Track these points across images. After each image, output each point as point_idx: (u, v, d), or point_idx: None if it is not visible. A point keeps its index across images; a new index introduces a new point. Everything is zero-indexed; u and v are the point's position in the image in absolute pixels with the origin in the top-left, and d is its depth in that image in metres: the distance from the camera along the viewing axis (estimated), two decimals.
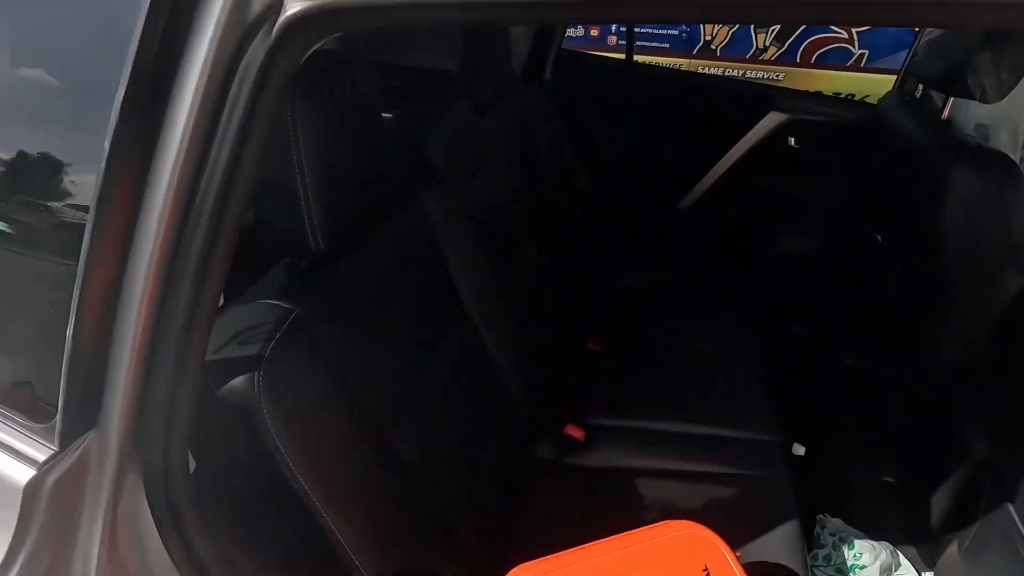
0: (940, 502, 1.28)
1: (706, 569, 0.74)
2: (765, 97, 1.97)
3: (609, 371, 1.54)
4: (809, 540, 1.42)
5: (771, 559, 1.00)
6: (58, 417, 0.46)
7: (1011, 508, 1.04)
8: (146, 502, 0.52)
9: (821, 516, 1.50)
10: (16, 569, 0.46)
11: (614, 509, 1.12)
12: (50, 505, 0.47)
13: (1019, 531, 1.01)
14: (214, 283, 0.51)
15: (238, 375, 0.64)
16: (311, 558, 0.74)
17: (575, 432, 1.29)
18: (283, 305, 0.73)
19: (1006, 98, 1.14)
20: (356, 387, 0.78)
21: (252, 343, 0.67)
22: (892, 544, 1.40)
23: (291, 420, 0.67)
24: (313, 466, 0.69)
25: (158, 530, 0.54)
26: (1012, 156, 1.37)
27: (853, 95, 3.01)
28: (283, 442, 0.66)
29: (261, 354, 0.66)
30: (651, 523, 0.79)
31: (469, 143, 1.31)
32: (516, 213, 1.46)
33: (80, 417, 0.47)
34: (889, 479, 1.56)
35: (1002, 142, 1.68)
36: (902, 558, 1.37)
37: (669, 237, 2.09)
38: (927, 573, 1.33)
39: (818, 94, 2.40)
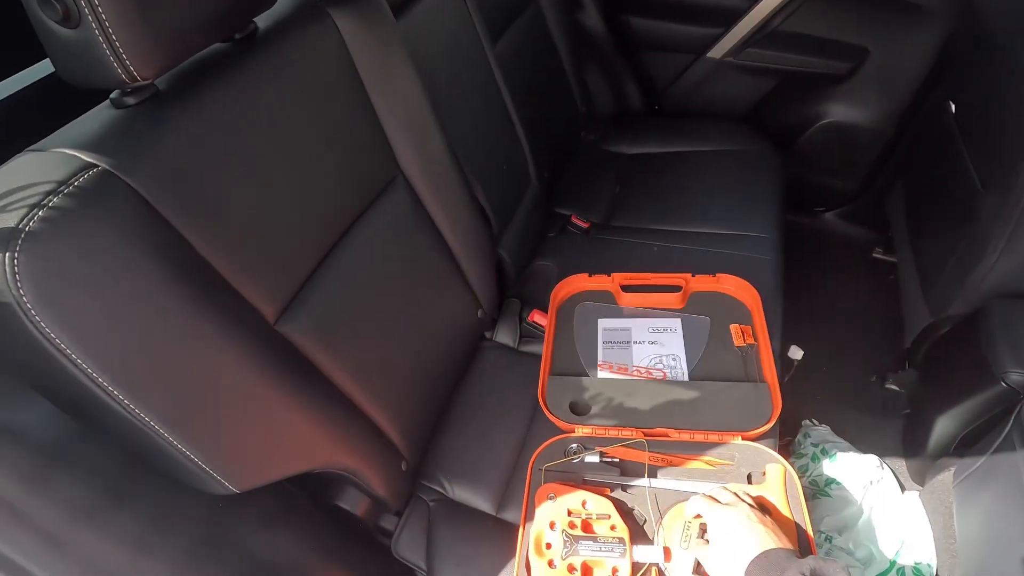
0: (946, 425, 1.12)
1: None
2: None
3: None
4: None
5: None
6: None
7: None
8: None
9: (807, 422, 1.39)
10: None
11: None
12: None
13: None
14: None
15: None
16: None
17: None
18: (80, 155, 0.53)
19: None
20: (197, 275, 0.59)
21: (14, 210, 0.48)
22: (880, 457, 1.29)
23: (83, 316, 0.50)
24: (134, 375, 0.53)
25: None
26: None
27: None
28: (73, 349, 0.49)
29: (19, 226, 0.47)
30: None
31: None
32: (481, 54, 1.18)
33: None
34: (894, 387, 1.41)
35: None
36: (887, 470, 1.27)
37: (690, 94, 1.75)
38: (912, 491, 1.23)
39: None
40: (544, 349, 1.06)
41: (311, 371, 0.73)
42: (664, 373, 1.01)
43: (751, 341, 1.01)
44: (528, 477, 0.89)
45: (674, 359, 1.03)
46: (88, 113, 0.58)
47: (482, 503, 0.96)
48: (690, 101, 1.76)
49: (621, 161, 1.60)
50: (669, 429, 0.90)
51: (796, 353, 1.27)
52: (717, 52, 1.63)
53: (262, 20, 0.72)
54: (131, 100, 0.58)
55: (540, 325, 1.17)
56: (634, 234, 1.35)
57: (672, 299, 1.10)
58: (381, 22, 0.84)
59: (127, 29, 0.51)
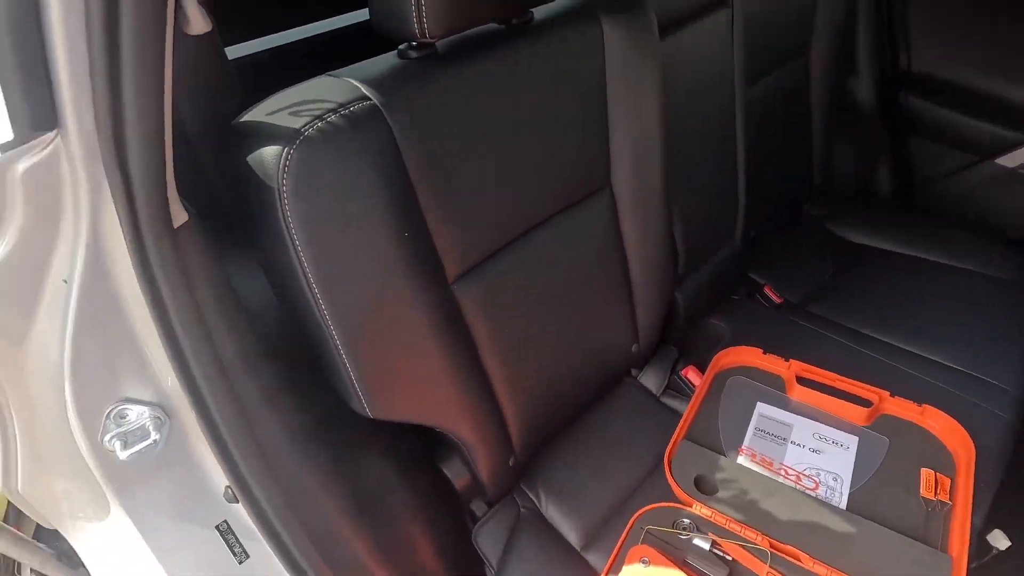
0: None
1: None
2: None
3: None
4: None
5: None
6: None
7: None
8: (120, 230, 0.49)
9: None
10: None
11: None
12: (23, 197, 0.45)
13: None
14: None
15: (268, 146, 0.55)
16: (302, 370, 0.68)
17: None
18: (361, 87, 0.61)
19: None
20: (411, 217, 0.66)
21: (302, 116, 0.57)
22: None
23: (317, 219, 0.58)
24: (331, 279, 0.61)
25: (135, 264, 0.50)
26: None
27: None
28: (300, 242, 0.57)
29: (301, 130, 0.56)
30: None
31: None
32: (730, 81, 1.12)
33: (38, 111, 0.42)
34: None
35: None
36: None
37: (956, 198, 1.50)
38: None
39: None
40: (687, 410, 0.98)
41: (466, 338, 0.76)
42: (816, 485, 0.88)
43: (945, 499, 0.83)
44: (627, 530, 0.83)
45: (835, 479, 0.89)
46: (379, 57, 0.67)
47: (570, 532, 0.92)
48: (953, 205, 1.51)
49: (843, 247, 1.42)
50: (803, 553, 0.78)
51: (1000, 541, 1.02)
52: (1012, 161, 1.37)
53: (539, 12, 0.77)
54: (413, 54, 0.65)
55: (691, 384, 1.09)
56: (831, 328, 1.19)
57: (855, 412, 0.95)
58: (645, 39, 0.84)
59: None
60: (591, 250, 0.91)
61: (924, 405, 0.93)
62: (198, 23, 0.40)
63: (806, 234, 1.45)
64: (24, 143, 0.43)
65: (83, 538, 0.65)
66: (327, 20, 1.10)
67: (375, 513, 0.76)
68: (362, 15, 1.16)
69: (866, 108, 1.48)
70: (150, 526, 0.62)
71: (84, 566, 0.68)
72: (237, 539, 0.66)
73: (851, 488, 0.87)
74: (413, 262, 0.66)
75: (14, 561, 1.09)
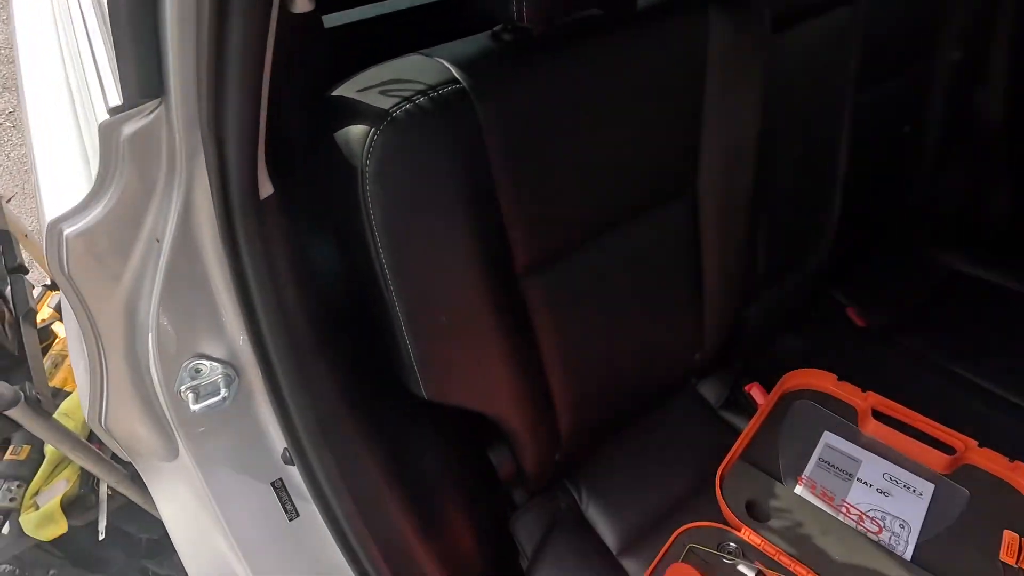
0: None
1: None
2: None
3: None
4: None
5: None
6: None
7: None
8: (211, 198, 0.50)
9: None
10: (100, 207, 0.49)
11: None
12: (127, 157, 0.47)
13: None
14: None
15: (356, 124, 0.56)
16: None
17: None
18: (452, 69, 0.60)
19: None
20: (487, 206, 0.65)
21: (392, 96, 0.57)
22: None
23: (396, 203, 0.58)
24: (402, 262, 0.61)
25: (221, 230, 0.52)
26: None
27: None
28: (377, 223, 0.58)
29: (390, 110, 0.56)
30: None
31: None
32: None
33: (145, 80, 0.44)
34: None
35: None
36: None
37: None
38: None
39: None
40: (747, 428, 0.94)
41: (528, 331, 0.75)
42: (879, 529, 0.82)
43: None
44: (668, 544, 0.81)
45: (902, 526, 0.83)
46: (473, 37, 0.65)
47: (608, 534, 0.91)
48: None
49: (941, 274, 1.30)
50: None
51: None
52: None
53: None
54: (508, 36, 0.63)
55: (754, 401, 1.04)
56: (919, 362, 1.10)
57: (935, 458, 0.88)
58: (754, 36, 0.78)
59: None
60: (666, 254, 0.87)
61: (1017, 461, 0.85)
62: (303, 2, 0.40)
63: (901, 256, 1.34)
64: (131, 107, 0.45)
65: (153, 474, 0.70)
66: None
67: (419, 489, 0.78)
68: None
69: (991, 125, 1.34)
70: (212, 473, 0.65)
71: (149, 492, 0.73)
72: (290, 497, 0.69)
73: (919, 538, 0.81)
74: (484, 251, 0.65)
75: (94, 477, 1.20)
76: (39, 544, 1.33)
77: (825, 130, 1.07)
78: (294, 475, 0.67)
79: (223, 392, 0.60)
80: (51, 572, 1.37)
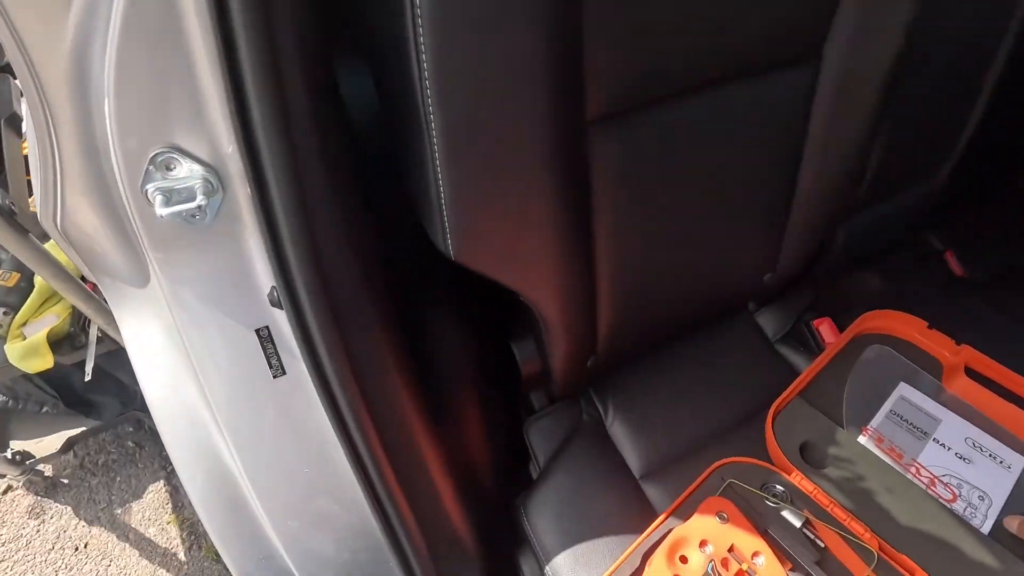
0: None
1: None
2: None
3: None
4: None
5: None
6: None
7: None
8: None
9: None
10: None
11: None
12: None
13: None
14: None
15: None
16: None
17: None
18: None
19: None
20: (566, 24, 0.49)
21: None
22: None
23: (451, 14, 0.43)
24: (450, 89, 0.46)
25: None
26: None
27: None
28: (426, 37, 0.43)
29: None
30: None
31: None
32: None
33: None
34: None
35: None
36: None
37: None
38: None
39: None
40: (812, 365, 0.81)
41: (583, 204, 0.60)
42: (953, 497, 0.70)
43: None
44: (705, 475, 0.70)
45: (981, 497, 0.70)
46: None
47: (632, 457, 0.81)
48: None
49: None
50: (920, 569, 0.62)
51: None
52: None
53: None
54: None
55: (822, 339, 0.90)
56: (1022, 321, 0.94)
57: None
58: None
59: None
60: (765, 137, 0.70)
61: None
62: None
63: (1020, 204, 1.14)
64: None
65: (120, 300, 0.59)
66: None
67: (429, 365, 0.67)
68: None
69: None
70: (187, 308, 0.54)
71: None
72: (276, 350, 0.57)
73: (996, 513, 0.69)
74: (553, 86, 0.50)
75: (85, 317, 1.13)
76: (29, 378, 1.29)
77: (985, 30, 0.85)
78: (283, 324, 0.56)
79: (200, 199, 0.47)
80: (43, 408, 1.34)
